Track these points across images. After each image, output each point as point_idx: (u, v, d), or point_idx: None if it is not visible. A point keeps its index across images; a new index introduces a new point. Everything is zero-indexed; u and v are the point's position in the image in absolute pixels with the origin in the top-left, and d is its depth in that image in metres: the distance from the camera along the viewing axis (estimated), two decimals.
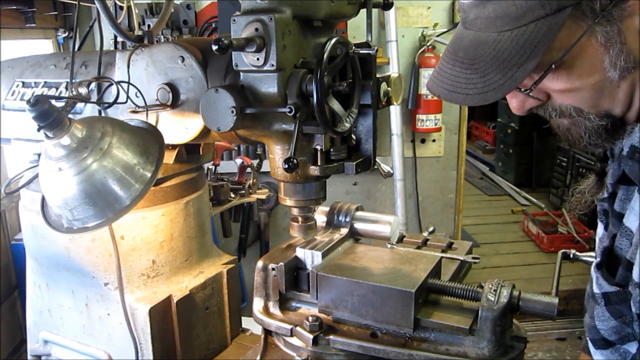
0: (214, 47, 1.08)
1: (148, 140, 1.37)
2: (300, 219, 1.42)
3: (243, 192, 2.24)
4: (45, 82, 1.67)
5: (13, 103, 1.70)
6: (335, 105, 1.25)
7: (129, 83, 1.45)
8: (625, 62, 0.98)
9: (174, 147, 1.57)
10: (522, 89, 1.05)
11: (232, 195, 2.21)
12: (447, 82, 1.05)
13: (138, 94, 1.44)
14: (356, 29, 4.13)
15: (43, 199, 1.43)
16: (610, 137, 1.09)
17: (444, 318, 1.25)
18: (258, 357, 1.41)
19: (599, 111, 1.05)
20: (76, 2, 1.60)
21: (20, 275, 3.26)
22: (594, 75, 1.01)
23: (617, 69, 0.99)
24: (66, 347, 1.75)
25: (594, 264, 1.22)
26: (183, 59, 1.39)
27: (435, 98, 4.43)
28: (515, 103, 1.11)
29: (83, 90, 1.42)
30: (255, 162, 2.50)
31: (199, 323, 1.71)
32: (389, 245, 1.55)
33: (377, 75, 1.35)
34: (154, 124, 1.45)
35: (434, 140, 4.77)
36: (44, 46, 3.98)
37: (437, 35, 4.45)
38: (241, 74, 1.25)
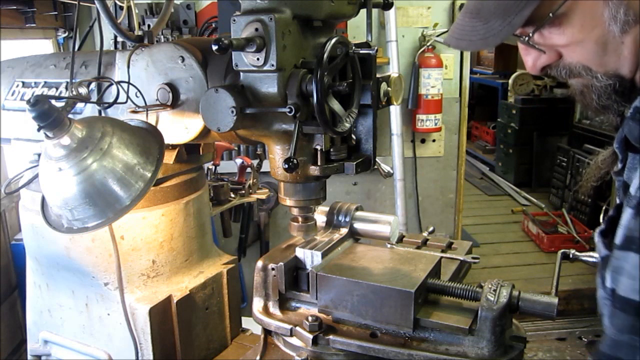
0: (214, 47, 1.08)
1: (148, 140, 1.37)
2: (300, 219, 1.42)
3: (243, 192, 2.24)
4: (45, 82, 1.67)
5: (13, 103, 1.70)
6: (335, 105, 1.25)
7: (129, 83, 1.45)
8: (625, 15, 1.00)
9: (174, 147, 1.57)
10: (526, 39, 1.08)
11: (232, 195, 2.21)
12: (457, 32, 1.11)
13: (138, 94, 1.44)
14: (356, 29, 4.13)
15: (43, 199, 1.43)
16: (621, 99, 1.10)
17: (443, 318, 1.25)
18: (258, 357, 1.41)
19: (607, 70, 1.07)
20: (76, 2, 1.60)
21: (20, 275, 3.25)
22: (596, 29, 1.03)
23: (618, 22, 1.01)
24: (66, 347, 1.75)
25: (597, 230, 1.23)
26: (183, 59, 1.39)
27: (436, 98, 4.46)
28: (530, 61, 1.15)
29: (83, 90, 1.42)
30: (255, 162, 2.49)
31: (199, 323, 1.71)
32: (388, 245, 1.56)
33: (377, 75, 1.35)
34: (154, 124, 1.45)
35: (434, 140, 4.77)
36: (44, 46, 3.98)
37: (437, 35, 4.45)
38: (241, 74, 1.25)
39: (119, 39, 2.94)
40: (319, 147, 1.31)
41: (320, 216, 1.59)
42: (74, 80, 1.53)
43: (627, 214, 1.03)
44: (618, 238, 1.03)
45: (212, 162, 2.08)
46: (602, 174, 1.30)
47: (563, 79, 1.16)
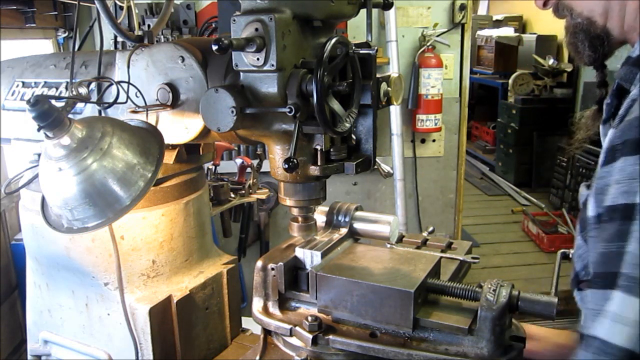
0: (214, 47, 1.08)
1: (148, 140, 1.37)
2: (300, 219, 1.42)
3: (243, 192, 2.24)
4: (45, 82, 1.67)
5: (13, 103, 1.70)
6: (335, 105, 1.25)
7: (129, 83, 1.45)
8: None
9: (174, 147, 1.57)
10: None
11: (232, 195, 2.21)
12: None
13: (138, 94, 1.44)
14: (356, 29, 4.13)
15: (43, 199, 1.43)
16: (587, 41, 1.15)
17: (443, 318, 1.25)
18: (257, 357, 1.41)
19: (582, 11, 1.14)
20: (76, 2, 1.60)
21: (20, 275, 3.25)
22: None
23: None
24: (66, 347, 1.75)
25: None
26: (183, 59, 1.39)
27: (436, 98, 4.46)
28: None
29: (83, 90, 1.42)
30: (255, 162, 2.49)
31: (199, 323, 1.71)
32: (388, 245, 1.56)
33: (377, 75, 1.35)
34: (154, 124, 1.45)
35: (434, 140, 4.77)
36: (44, 46, 3.98)
37: (437, 35, 4.45)
38: (241, 74, 1.25)
39: (119, 39, 2.94)
40: (319, 147, 1.31)
41: (320, 216, 1.59)
42: (74, 80, 1.53)
43: (607, 138, 0.99)
44: (600, 161, 0.97)
45: (212, 162, 2.08)
46: (590, 134, 1.32)
47: (561, 18, 1.23)
